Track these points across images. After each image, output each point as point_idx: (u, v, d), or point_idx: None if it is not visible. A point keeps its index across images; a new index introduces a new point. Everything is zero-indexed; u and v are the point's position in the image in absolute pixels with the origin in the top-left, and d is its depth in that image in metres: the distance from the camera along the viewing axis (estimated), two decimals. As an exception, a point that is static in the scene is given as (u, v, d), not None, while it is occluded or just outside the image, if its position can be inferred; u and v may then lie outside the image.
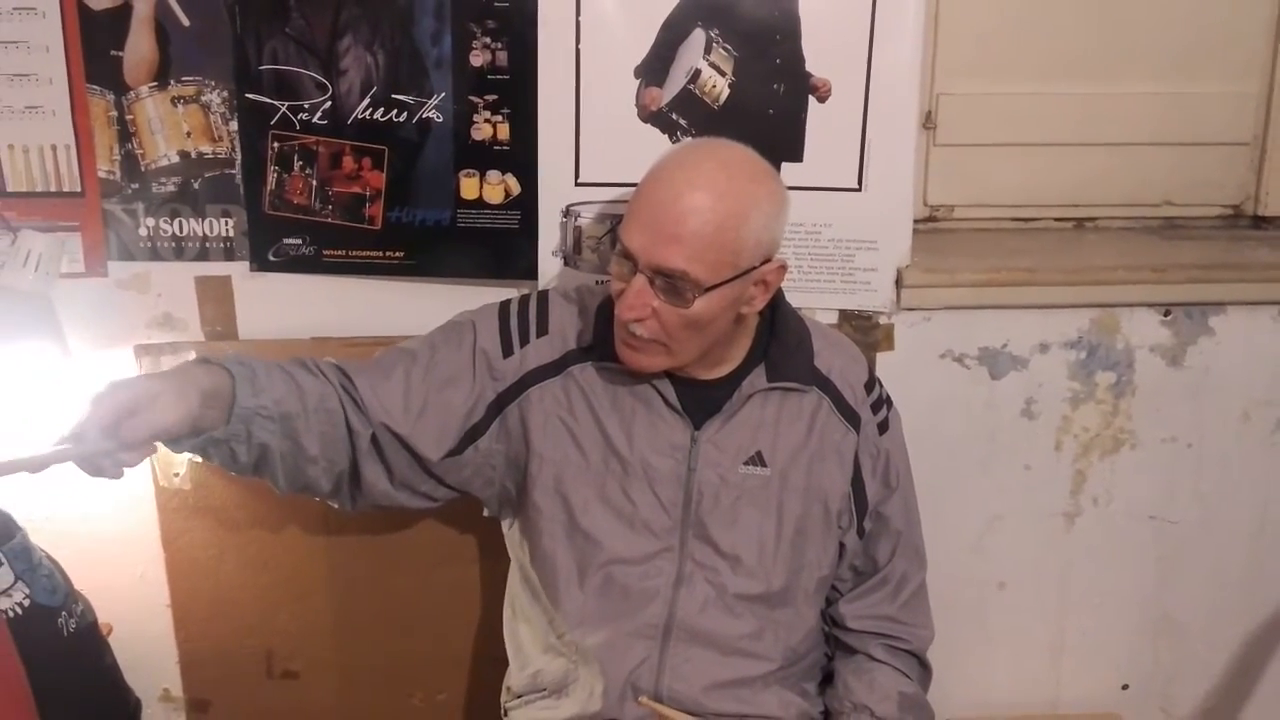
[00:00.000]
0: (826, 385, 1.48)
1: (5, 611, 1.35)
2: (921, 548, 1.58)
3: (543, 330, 1.48)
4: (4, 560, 1.39)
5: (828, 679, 1.56)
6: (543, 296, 1.53)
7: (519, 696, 1.57)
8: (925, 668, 1.55)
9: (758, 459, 1.45)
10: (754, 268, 1.35)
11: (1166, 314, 1.84)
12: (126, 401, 1.18)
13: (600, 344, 1.45)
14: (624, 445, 1.44)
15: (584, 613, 1.46)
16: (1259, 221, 1.99)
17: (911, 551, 1.56)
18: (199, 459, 1.71)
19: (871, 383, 1.54)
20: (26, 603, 1.38)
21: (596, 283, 1.70)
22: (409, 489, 1.48)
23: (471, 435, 1.46)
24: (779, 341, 1.46)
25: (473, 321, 1.50)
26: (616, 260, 1.35)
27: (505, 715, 1.60)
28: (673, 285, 1.30)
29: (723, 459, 1.44)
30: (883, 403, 1.55)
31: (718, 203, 1.29)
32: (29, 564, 1.42)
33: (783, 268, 1.39)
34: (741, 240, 1.32)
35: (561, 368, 1.46)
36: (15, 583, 1.39)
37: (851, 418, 1.49)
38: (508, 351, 1.47)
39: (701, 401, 1.44)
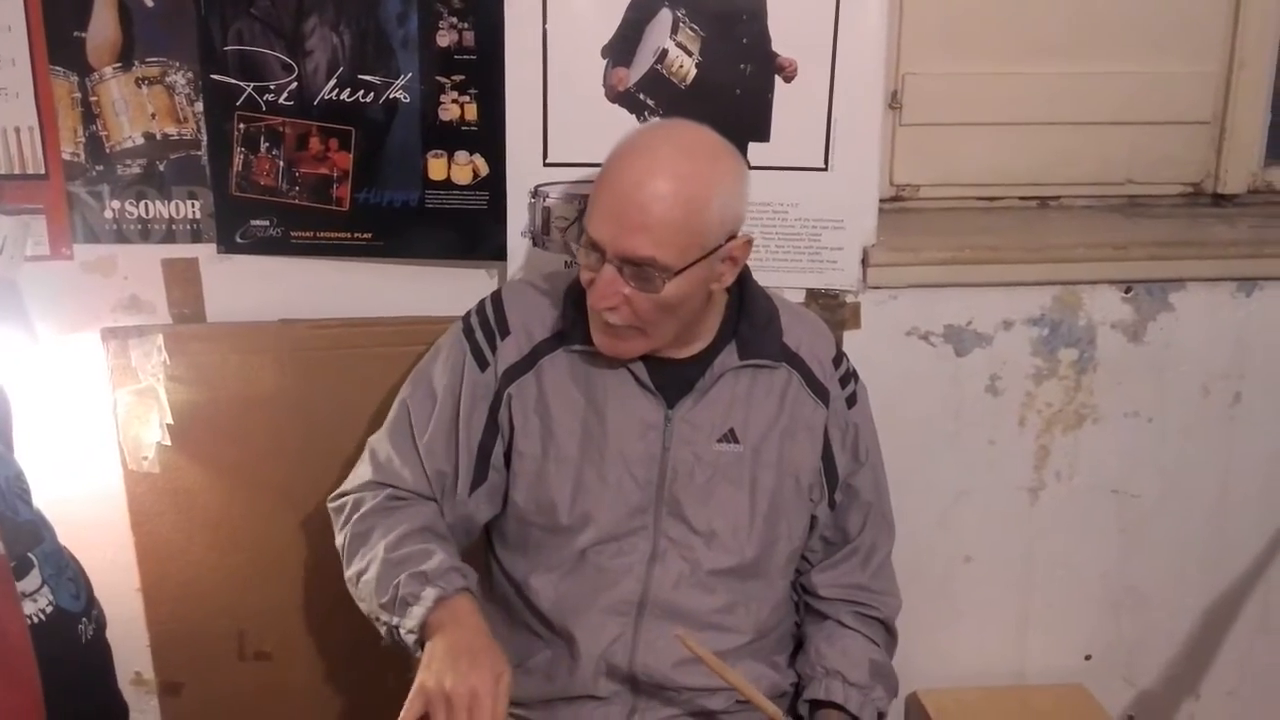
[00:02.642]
0: (796, 361, 1.49)
1: (30, 617, 1.33)
2: (890, 517, 1.60)
3: (504, 332, 1.48)
4: (35, 563, 1.37)
5: (797, 649, 1.58)
6: (496, 298, 1.53)
7: None
8: (892, 635, 1.58)
9: (731, 436, 1.46)
10: (720, 245, 1.36)
11: (1128, 291, 1.87)
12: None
13: (570, 329, 1.45)
14: (598, 428, 1.45)
15: (558, 591, 1.47)
16: (1218, 199, 2.02)
17: (881, 521, 1.58)
18: (167, 442, 1.72)
19: (839, 357, 1.55)
20: (50, 608, 1.36)
21: (566, 264, 1.71)
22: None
23: (483, 457, 1.48)
24: (748, 319, 1.47)
25: (444, 357, 1.51)
26: (584, 251, 1.35)
27: None
28: (641, 272, 1.31)
29: (697, 436, 1.45)
30: (850, 377, 1.56)
31: (680, 187, 1.30)
32: (57, 568, 1.40)
33: (749, 242, 1.40)
34: (706, 221, 1.32)
35: (532, 362, 1.47)
36: (41, 587, 1.36)
37: (821, 393, 1.50)
38: (484, 365, 1.48)
39: (674, 380, 1.45)
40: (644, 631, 1.44)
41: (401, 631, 1.34)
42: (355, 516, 1.46)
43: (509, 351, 1.47)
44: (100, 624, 1.48)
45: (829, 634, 1.53)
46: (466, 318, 1.53)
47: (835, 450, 1.52)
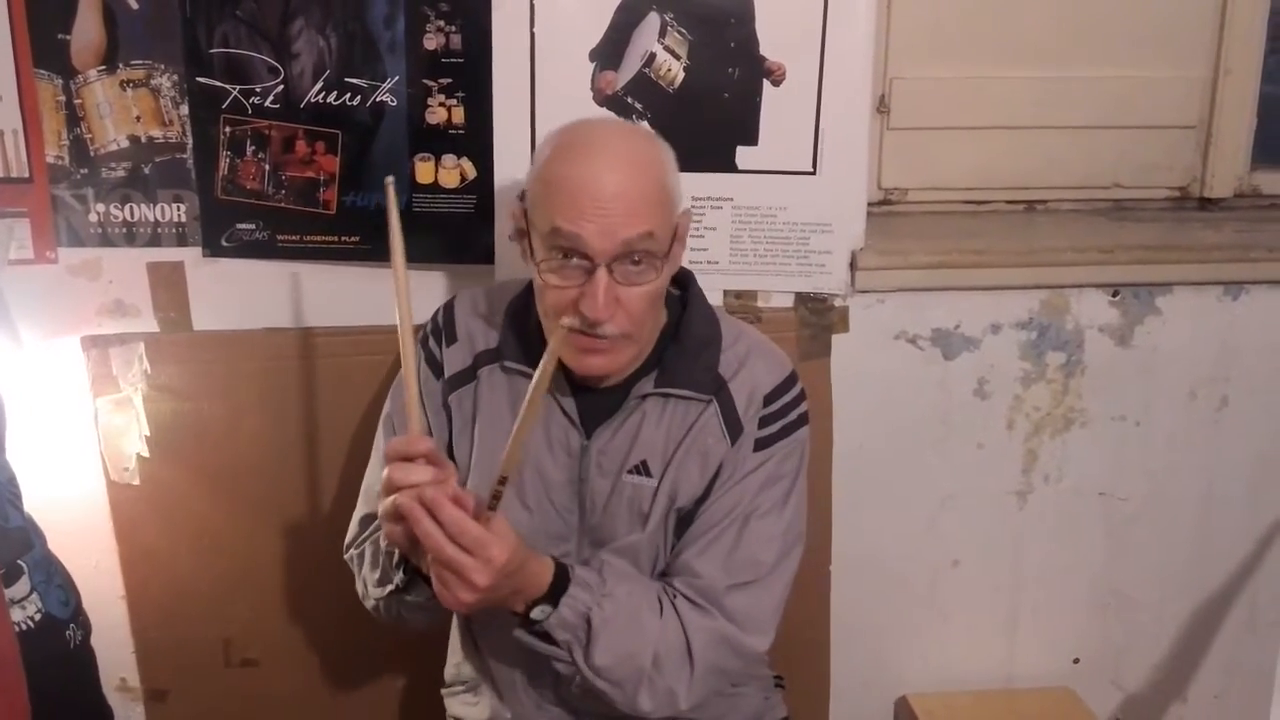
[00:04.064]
0: (722, 392, 1.39)
1: (19, 624, 1.33)
2: (735, 607, 1.37)
3: (451, 339, 1.45)
4: (25, 570, 1.37)
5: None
6: (448, 305, 1.50)
7: (449, 686, 1.59)
8: (690, 654, 1.34)
9: (642, 468, 1.39)
10: (678, 224, 1.33)
11: (1115, 294, 1.87)
12: None
13: (504, 346, 1.41)
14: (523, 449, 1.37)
15: (485, 621, 1.46)
16: (1205, 203, 2.03)
17: (728, 569, 1.37)
18: (146, 454, 1.71)
19: (776, 394, 1.41)
20: (38, 615, 1.36)
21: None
22: None
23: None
24: (677, 345, 1.39)
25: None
26: (561, 265, 1.27)
27: (444, 701, 1.61)
28: (636, 262, 1.26)
29: (611, 467, 1.40)
30: (776, 420, 1.40)
31: (645, 169, 1.28)
32: (46, 575, 1.39)
33: (689, 214, 1.36)
34: (671, 195, 1.31)
35: (473, 373, 1.43)
36: (30, 594, 1.36)
37: (733, 427, 1.39)
38: (438, 373, 1.45)
39: (595, 409, 1.40)
40: None
41: (399, 580, 1.32)
42: (355, 552, 1.45)
43: (454, 359, 1.44)
44: (86, 630, 1.47)
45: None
46: (423, 327, 1.49)
47: (717, 484, 1.40)
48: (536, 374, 1.16)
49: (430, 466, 1.20)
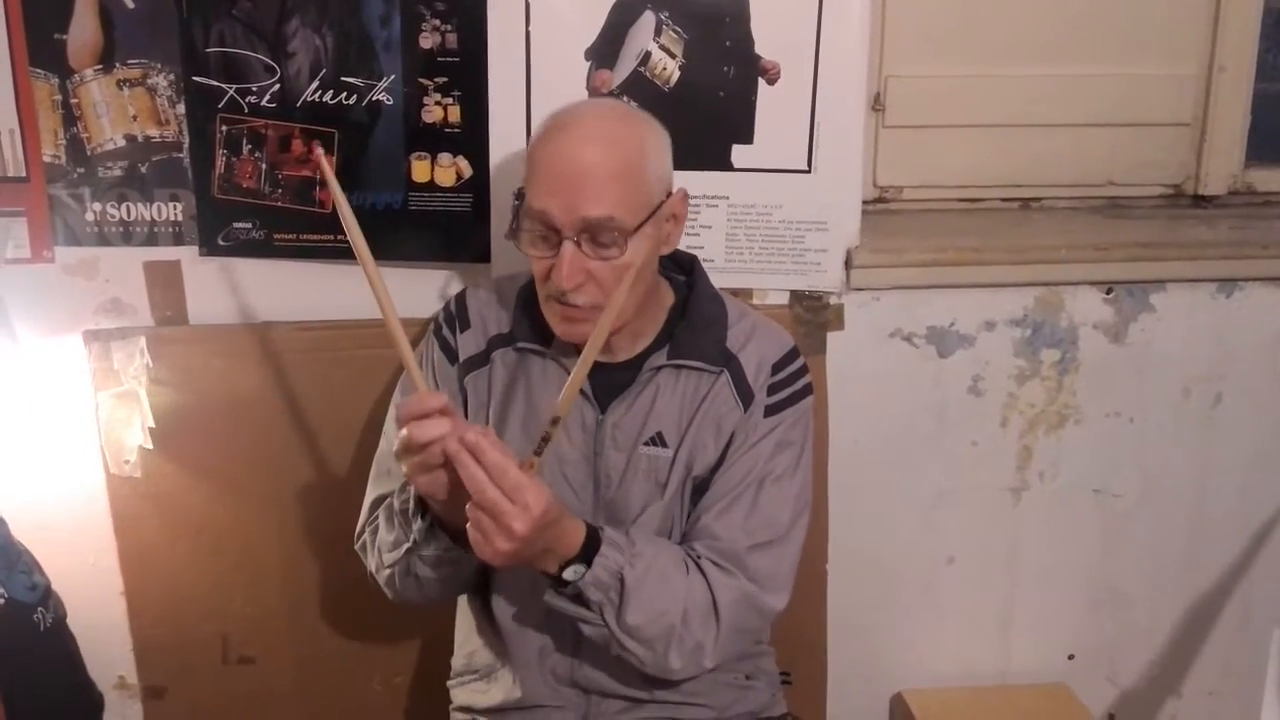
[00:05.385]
0: (732, 363, 1.44)
1: None
2: (757, 564, 1.40)
3: (465, 325, 1.49)
4: None
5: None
6: (460, 295, 1.53)
7: (457, 676, 1.59)
8: (715, 609, 1.37)
9: (659, 439, 1.43)
10: (662, 202, 1.36)
11: (1109, 292, 1.88)
12: None
13: (517, 328, 1.45)
14: (536, 431, 1.38)
15: (505, 599, 1.48)
16: (1199, 200, 2.03)
17: (745, 528, 1.41)
18: (150, 446, 1.72)
19: (782, 364, 1.46)
20: (1, 601, 1.37)
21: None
22: None
23: None
24: (687, 322, 1.44)
25: (419, 357, 1.50)
26: (535, 239, 1.33)
27: (450, 693, 1.62)
28: (602, 237, 1.30)
29: (627, 441, 1.43)
30: (784, 387, 1.45)
31: (614, 147, 1.32)
32: (9, 561, 1.40)
33: (685, 195, 1.40)
34: (646, 176, 1.34)
35: (487, 356, 1.47)
36: None
37: (745, 395, 1.44)
38: (453, 359, 1.48)
39: (607, 384, 1.43)
40: (586, 640, 1.40)
41: (418, 531, 1.32)
42: (369, 529, 1.47)
43: (468, 344, 1.48)
44: (60, 612, 1.48)
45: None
46: (435, 317, 1.53)
47: (731, 450, 1.44)
48: (605, 311, 1.20)
49: (446, 419, 1.21)
